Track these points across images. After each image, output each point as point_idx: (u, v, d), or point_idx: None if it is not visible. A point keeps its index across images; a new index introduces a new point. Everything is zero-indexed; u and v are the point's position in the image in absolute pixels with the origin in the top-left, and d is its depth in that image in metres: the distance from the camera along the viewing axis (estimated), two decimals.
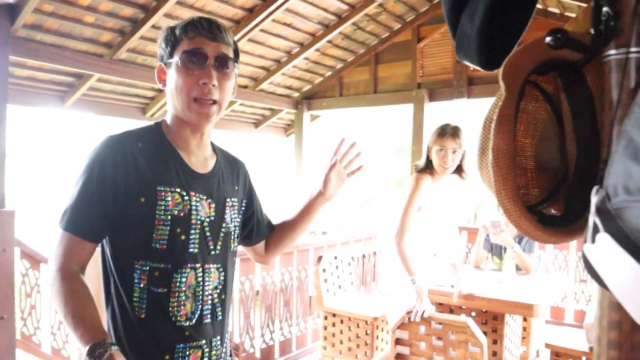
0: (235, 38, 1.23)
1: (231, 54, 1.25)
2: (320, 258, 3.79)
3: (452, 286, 2.93)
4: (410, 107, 5.66)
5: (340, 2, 4.94)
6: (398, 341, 2.46)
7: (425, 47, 5.59)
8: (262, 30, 4.92)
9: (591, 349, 2.86)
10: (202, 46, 1.19)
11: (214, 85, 1.19)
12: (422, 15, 5.54)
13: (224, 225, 1.29)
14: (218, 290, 1.28)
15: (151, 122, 1.31)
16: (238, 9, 4.51)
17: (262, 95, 6.00)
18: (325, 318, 3.72)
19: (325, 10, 5.02)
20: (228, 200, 1.32)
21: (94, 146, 1.19)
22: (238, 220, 1.37)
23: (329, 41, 5.54)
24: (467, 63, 0.92)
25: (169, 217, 1.17)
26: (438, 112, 6.08)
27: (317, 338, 4.07)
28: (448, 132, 2.70)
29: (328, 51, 5.78)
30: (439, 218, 2.93)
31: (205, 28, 1.20)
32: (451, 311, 3.13)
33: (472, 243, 5.09)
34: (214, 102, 1.21)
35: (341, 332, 3.65)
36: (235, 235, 1.35)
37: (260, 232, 1.52)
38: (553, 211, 0.83)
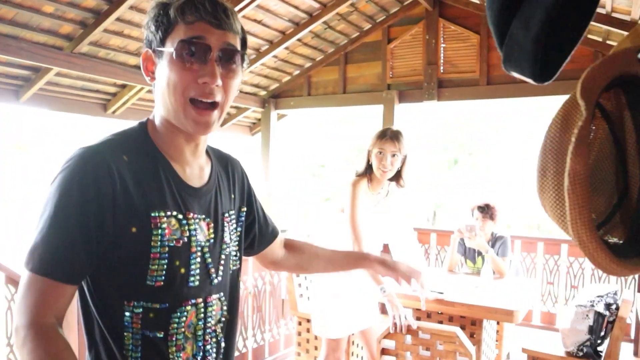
0: None
1: (239, 45, 1.00)
2: None
3: (414, 290, 2.89)
4: (380, 108, 5.63)
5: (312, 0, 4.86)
6: (384, 351, 2.40)
7: (395, 48, 5.57)
8: None
9: (568, 353, 2.89)
10: (204, 34, 0.94)
11: (217, 86, 0.96)
12: (393, 16, 5.51)
13: (224, 246, 1.10)
14: (221, 324, 1.09)
15: (133, 124, 1.06)
16: None
17: None
18: (299, 323, 3.63)
19: (296, 7, 4.92)
20: (226, 215, 1.12)
21: (67, 161, 0.93)
22: (237, 235, 1.17)
23: (299, 39, 5.43)
24: (516, 75, 0.85)
25: (167, 249, 0.96)
26: (408, 114, 6.08)
27: (290, 343, 3.97)
28: (388, 135, 2.63)
29: (297, 50, 5.68)
30: (389, 226, 2.87)
31: (208, 11, 0.94)
32: (428, 316, 3.10)
33: (441, 245, 5.13)
34: (215, 104, 0.98)
35: (315, 337, 3.56)
36: (235, 254, 1.15)
37: (264, 239, 1.33)
38: (614, 239, 0.77)
